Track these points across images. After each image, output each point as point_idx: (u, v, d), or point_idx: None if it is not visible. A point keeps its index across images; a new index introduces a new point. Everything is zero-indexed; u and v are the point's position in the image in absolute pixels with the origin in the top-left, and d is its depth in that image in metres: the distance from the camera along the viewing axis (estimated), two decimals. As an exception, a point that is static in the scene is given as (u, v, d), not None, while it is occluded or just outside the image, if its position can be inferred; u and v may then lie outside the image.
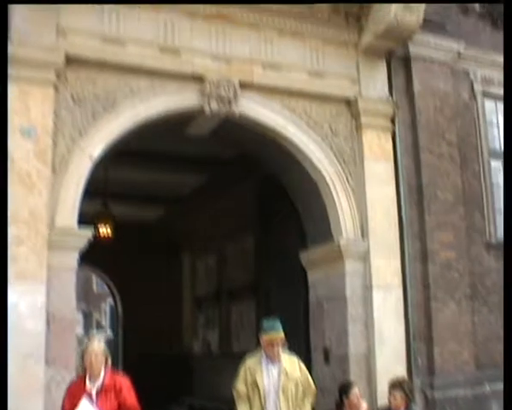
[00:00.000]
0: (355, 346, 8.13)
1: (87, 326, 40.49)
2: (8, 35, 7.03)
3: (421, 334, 8.47)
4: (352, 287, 8.23)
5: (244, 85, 8.01)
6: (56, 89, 7.22)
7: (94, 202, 11.44)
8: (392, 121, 8.93)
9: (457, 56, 9.62)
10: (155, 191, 14.10)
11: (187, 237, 16.05)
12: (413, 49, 9.20)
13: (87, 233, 7.15)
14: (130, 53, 7.57)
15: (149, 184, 13.36)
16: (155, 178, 12.96)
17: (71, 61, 7.27)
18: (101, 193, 12.23)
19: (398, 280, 8.39)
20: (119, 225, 13.40)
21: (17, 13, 7.11)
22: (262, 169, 10.03)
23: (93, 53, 7.39)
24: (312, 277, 8.93)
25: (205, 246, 15.00)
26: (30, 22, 7.13)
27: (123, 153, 8.34)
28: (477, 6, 10.15)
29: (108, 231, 12.96)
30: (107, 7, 7.54)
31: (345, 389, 6.97)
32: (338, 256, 8.31)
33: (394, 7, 8.26)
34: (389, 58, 9.11)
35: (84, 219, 7.56)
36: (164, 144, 10.14)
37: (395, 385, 6.85)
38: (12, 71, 6.95)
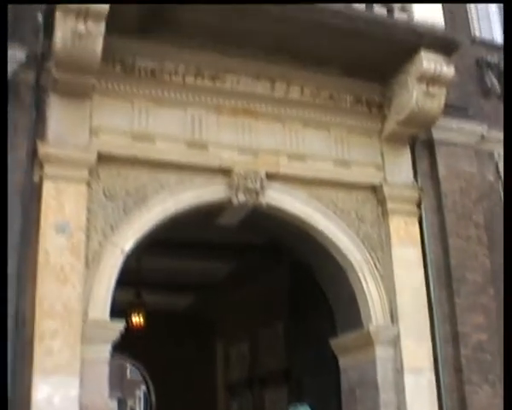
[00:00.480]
0: (389, 432, 8.06)
1: (121, 414, 40.22)
2: (45, 136, 7.42)
3: (455, 418, 8.37)
4: (383, 372, 8.20)
5: (270, 176, 8.22)
6: (89, 185, 7.50)
7: (126, 291, 11.64)
8: (419, 206, 9.03)
9: (481, 139, 9.74)
10: (186, 279, 14.24)
11: (219, 323, 16.09)
12: (436, 134, 9.34)
13: (119, 325, 7.29)
14: (160, 149, 7.85)
15: (180, 271, 13.53)
16: (186, 266, 13.14)
17: (103, 158, 7.57)
18: (134, 282, 12.43)
19: (429, 364, 8.33)
20: (151, 313, 13.56)
21: (53, 114, 7.51)
22: (292, 255, 10.13)
23: (124, 150, 7.70)
24: (344, 363, 8.93)
25: (237, 332, 15.01)
26: (64, 123, 7.51)
27: (154, 242, 8.51)
28: (497, 88, 10.31)
29: (141, 319, 13.13)
30: (136, 105, 7.88)
31: None
32: (368, 342, 8.31)
33: (415, 94, 8.46)
34: (413, 143, 9.28)
35: (117, 309, 7.69)
36: (194, 233, 10.30)
37: None
38: (47, 170, 7.31)
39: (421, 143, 9.36)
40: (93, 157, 7.48)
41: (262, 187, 8.09)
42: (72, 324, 6.96)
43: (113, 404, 38.59)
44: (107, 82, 7.76)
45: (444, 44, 8.50)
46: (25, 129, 7.43)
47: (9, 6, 7.63)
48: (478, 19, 11.04)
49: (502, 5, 10.65)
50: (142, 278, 12.39)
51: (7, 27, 7.15)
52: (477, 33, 10.86)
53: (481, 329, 8.70)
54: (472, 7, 11.11)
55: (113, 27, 7.16)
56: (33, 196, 7.24)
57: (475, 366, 8.52)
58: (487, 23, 10.93)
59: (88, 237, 7.37)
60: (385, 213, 8.83)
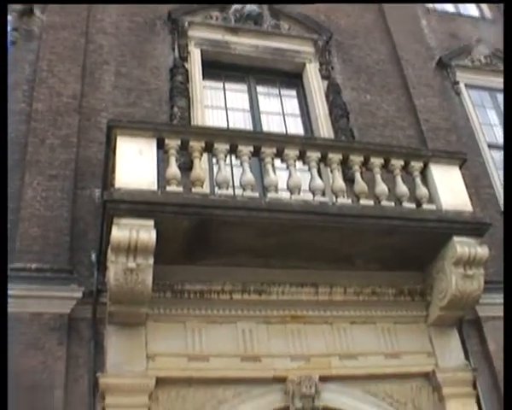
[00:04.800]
0: None
1: None
2: (104, 367, 7.76)
3: None
4: None
5: (324, 378, 8.38)
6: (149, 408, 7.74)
7: None
8: (474, 386, 9.02)
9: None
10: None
11: None
12: (481, 311, 9.48)
13: None
14: (214, 366, 8.12)
15: None
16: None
17: (160, 381, 7.83)
18: None
19: None
20: None
21: (110, 345, 7.90)
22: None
23: (180, 372, 7.99)
24: None
25: None
26: (122, 353, 7.89)
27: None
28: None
29: None
30: (189, 326, 8.25)
31: None
32: None
33: (454, 279, 8.70)
34: (460, 324, 9.40)
35: None
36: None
37: None
38: (109, 400, 7.60)
39: (468, 323, 9.48)
40: (152, 382, 7.77)
41: (317, 391, 8.23)
42: None
43: None
44: (160, 308, 8.20)
45: (474, 228, 8.88)
46: (85, 362, 7.83)
47: (65, 247, 8.32)
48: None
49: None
50: None
51: (7, 27, 7.69)
52: (506, 206, 11.19)
53: None
54: (497, 181, 11.56)
55: (161, 258, 7.67)
56: (98, 431, 7.49)
57: None
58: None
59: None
60: (442, 399, 8.82)
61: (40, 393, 7.38)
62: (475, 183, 11.16)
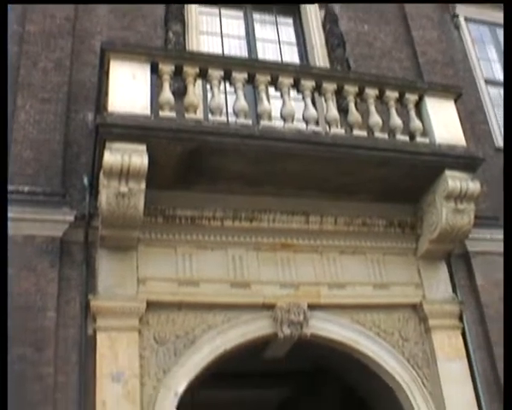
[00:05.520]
0: None
1: None
2: (96, 289, 7.86)
3: None
4: None
5: (312, 307, 8.50)
6: (140, 332, 7.86)
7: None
8: (461, 319, 9.16)
9: (515, 248, 9.90)
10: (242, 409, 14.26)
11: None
12: (471, 246, 9.57)
13: None
14: (204, 291, 8.23)
15: (235, 402, 13.57)
16: (239, 397, 13.20)
17: (151, 305, 7.95)
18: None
19: None
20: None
21: (102, 269, 7.98)
22: (340, 378, 10.25)
23: (171, 296, 8.09)
24: None
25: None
26: (113, 276, 7.97)
27: (206, 376, 8.71)
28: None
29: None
30: (180, 251, 8.32)
31: None
32: None
33: (445, 213, 8.75)
34: (449, 257, 9.50)
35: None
36: (244, 365, 10.48)
37: None
38: (100, 322, 7.72)
39: (456, 257, 9.58)
40: (142, 306, 7.89)
41: (305, 318, 8.35)
42: None
43: None
44: (151, 233, 8.26)
45: (466, 162, 8.89)
46: (77, 284, 7.92)
47: (58, 170, 8.31)
48: (499, 128, 11.41)
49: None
50: (196, 411, 12.50)
51: (7, 27, 7.69)
52: (500, 142, 11.19)
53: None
54: (493, 119, 11.52)
55: (153, 183, 7.69)
56: (88, 348, 7.62)
57: None
58: (509, 133, 11.23)
59: (142, 383, 7.65)
60: (428, 330, 8.97)
61: (33, 314, 7.48)
62: (470, 118, 11.12)
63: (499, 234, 9.74)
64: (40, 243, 7.86)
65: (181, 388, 7.81)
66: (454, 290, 9.37)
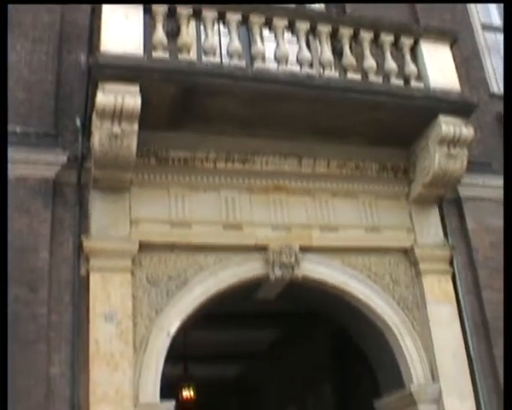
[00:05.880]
0: None
1: None
2: (88, 231, 7.91)
3: None
4: (428, 432, 8.35)
5: (304, 249, 8.56)
6: (133, 273, 7.93)
7: (175, 365, 11.94)
8: (451, 263, 9.25)
9: (507, 192, 9.93)
10: (233, 350, 14.50)
11: (267, 390, 16.22)
12: (463, 192, 9.60)
13: (169, 406, 7.62)
14: (197, 233, 8.27)
15: (226, 343, 13.80)
16: (231, 337, 13.42)
17: (144, 246, 8.00)
18: (182, 357, 12.74)
19: (474, 419, 8.46)
20: (201, 385, 13.82)
21: (95, 210, 8.02)
22: (331, 321, 10.38)
23: (163, 237, 8.14)
24: (390, 424, 9.10)
25: (285, 398, 15.13)
26: (106, 217, 8.00)
27: (199, 317, 8.82)
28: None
29: (191, 393, 13.40)
30: (172, 193, 8.34)
31: None
32: (411, 402, 8.47)
33: (437, 158, 8.77)
34: (441, 202, 9.54)
35: (167, 382, 8.03)
36: (235, 306, 10.59)
37: None
38: (93, 263, 7.78)
39: (448, 202, 9.62)
40: (135, 247, 7.93)
41: (297, 261, 8.42)
42: (125, 408, 7.29)
43: None
44: (144, 174, 8.27)
45: (460, 108, 8.86)
46: (70, 226, 7.95)
47: (50, 111, 8.27)
48: (495, 74, 11.36)
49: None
50: (189, 352, 12.69)
51: (6, 27, 7.65)
52: (495, 88, 11.16)
53: (525, 380, 8.78)
54: (488, 64, 11.45)
55: (146, 124, 7.67)
56: (81, 289, 7.69)
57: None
58: (505, 78, 11.16)
59: (135, 323, 7.75)
60: (418, 274, 9.06)
61: (26, 255, 7.52)
62: (466, 64, 11.02)
63: (491, 180, 9.84)
64: (33, 184, 7.85)
65: (173, 328, 7.90)
66: (445, 235, 9.43)
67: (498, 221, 9.71)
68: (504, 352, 8.08)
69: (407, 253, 9.13)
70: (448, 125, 8.70)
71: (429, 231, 9.34)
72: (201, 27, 8.72)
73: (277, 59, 8.43)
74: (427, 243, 9.21)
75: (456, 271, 9.24)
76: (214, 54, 8.18)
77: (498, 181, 9.83)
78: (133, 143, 7.62)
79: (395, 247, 9.13)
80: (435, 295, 8.96)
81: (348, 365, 11.28)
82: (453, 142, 8.76)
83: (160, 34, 8.00)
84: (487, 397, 8.69)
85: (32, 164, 7.88)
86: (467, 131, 8.80)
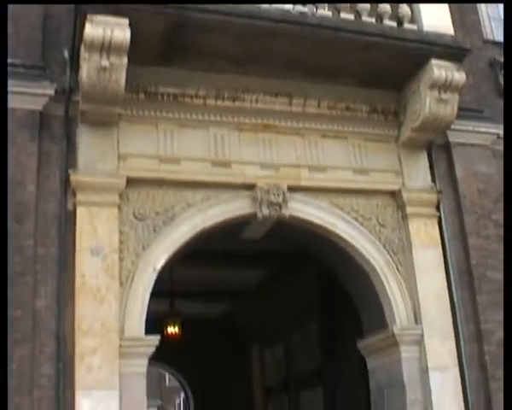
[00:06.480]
0: (416, 430, 8.33)
1: (161, 422, 40.53)
2: (76, 165, 7.88)
3: (482, 413, 8.62)
4: (409, 372, 8.48)
5: (292, 189, 8.57)
6: (120, 208, 7.93)
7: (161, 301, 12.01)
8: (438, 208, 9.29)
9: (497, 139, 9.90)
10: (219, 287, 14.60)
11: (253, 329, 16.41)
12: (452, 137, 9.59)
13: (154, 340, 7.69)
14: (185, 169, 8.27)
15: (213, 280, 13.88)
16: (218, 275, 13.50)
17: (131, 181, 8.00)
18: (168, 293, 12.83)
19: (454, 362, 8.59)
20: (187, 322, 13.95)
21: (82, 144, 7.96)
22: (318, 261, 10.44)
23: (151, 173, 8.13)
24: (371, 364, 9.24)
25: (271, 336, 15.33)
26: (93, 152, 7.96)
27: (186, 254, 8.85)
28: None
29: (176, 329, 13.53)
30: (161, 129, 8.30)
31: None
32: (393, 343, 8.59)
33: (428, 102, 8.73)
34: (430, 147, 9.54)
35: (153, 319, 8.11)
36: (223, 244, 10.66)
37: None
38: (80, 197, 7.77)
39: (438, 147, 9.61)
40: (122, 182, 7.92)
41: (284, 200, 8.44)
42: (110, 341, 7.38)
43: (153, 413, 39.08)
44: (132, 109, 8.20)
45: (453, 52, 8.80)
46: (57, 159, 7.91)
47: (37, 43, 8.14)
48: (489, 20, 11.26)
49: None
50: (175, 289, 12.78)
51: (7, 27, 7.54)
52: (489, 35, 11.07)
53: (505, 325, 8.87)
54: (483, 9, 11.33)
55: (135, 58, 7.58)
56: (68, 222, 7.70)
57: (500, 362, 8.67)
58: (499, 24, 11.07)
59: (121, 258, 7.79)
60: (405, 217, 9.11)
61: (12, 187, 7.46)
62: (461, 9, 10.88)
63: (481, 126, 9.85)
64: (20, 116, 7.78)
65: (159, 264, 7.95)
66: (433, 180, 9.46)
67: (487, 168, 9.78)
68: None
69: (395, 196, 9.16)
70: (440, 68, 8.64)
71: (417, 175, 9.35)
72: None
73: (270, -4, 8.30)
74: (414, 187, 9.24)
75: (442, 215, 9.29)
76: (207, -11, 8.04)
77: (489, 128, 9.87)
78: (122, 77, 7.54)
79: (383, 189, 9.15)
80: (421, 239, 9.03)
81: (334, 305, 11.37)
82: (444, 86, 8.72)
83: (151, -34, 7.84)
84: (468, 341, 8.84)
85: (19, 95, 7.78)
86: (459, 76, 8.76)
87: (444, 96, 8.77)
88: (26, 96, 7.83)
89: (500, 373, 8.65)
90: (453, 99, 8.86)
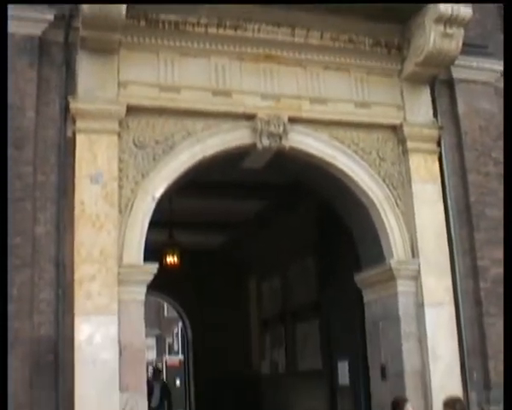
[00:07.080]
0: (410, 363, 8.45)
1: (160, 351, 41.16)
2: (75, 92, 7.82)
3: (475, 349, 8.73)
4: (404, 306, 8.58)
5: (293, 120, 8.51)
6: (120, 136, 7.90)
7: (160, 231, 12.08)
8: (438, 144, 9.25)
9: (501, 76, 9.79)
10: (218, 218, 14.63)
11: (251, 260, 16.57)
12: (456, 73, 9.46)
13: (152, 268, 7.76)
14: (185, 98, 8.20)
15: (212, 211, 13.91)
16: (217, 206, 13.51)
17: (131, 109, 7.93)
18: (167, 223, 12.89)
19: (449, 297, 8.67)
20: (186, 252, 14.06)
21: (82, 71, 7.88)
22: (317, 194, 10.46)
23: (151, 101, 8.06)
24: (367, 297, 9.33)
25: (269, 268, 15.48)
26: (94, 79, 7.87)
27: (185, 184, 8.86)
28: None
29: (175, 259, 13.64)
30: (162, 57, 8.20)
31: (398, 404, 7.29)
32: (390, 277, 8.67)
33: (433, 36, 8.60)
34: (432, 82, 9.41)
35: (152, 249, 8.20)
36: (223, 175, 10.65)
37: (448, 404, 6.92)
38: (80, 124, 7.74)
39: (440, 82, 9.49)
40: (122, 109, 7.86)
41: (285, 131, 8.39)
42: (109, 268, 7.45)
43: (152, 342, 39.64)
44: (133, 36, 8.08)
45: (460, -15, 8.60)
46: (56, 86, 7.83)
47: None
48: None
49: None
50: (174, 219, 12.82)
51: (7, 27, 7.42)
52: (498, -30, 10.83)
53: (500, 263, 8.84)
54: None
55: (137, -17, 7.45)
56: (67, 150, 7.68)
57: (494, 298, 8.81)
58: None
59: (120, 186, 7.80)
60: (405, 152, 9.07)
61: (11, 113, 7.41)
62: None
63: (486, 63, 9.71)
64: (19, 41, 7.66)
65: (158, 192, 7.96)
66: (435, 115, 9.37)
67: (489, 105, 9.70)
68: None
69: (395, 130, 9.10)
70: (446, 2, 8.48)
71: (419, 109, 9.27)
72: None
73: None
74: (416, 122, 9.16)
75: (443, 151, 9.25)
76: None
77: (493, 64, 9.75)
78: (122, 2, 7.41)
79: (384, 123, 9.09)
80: (421, 175, 9.01)
81: (332, 238, 11.44)
82: (450, 21, 8.56)
83: None
84: (464, 277, 8.92)
85: (17, 20, 7.62)
86: (464, 11, 8.59)
87: (449, 30, 8.60)
88: (25, 21, 7.69)
89: (494, 309, 8.79)
90: (458, 34, 8.70)
